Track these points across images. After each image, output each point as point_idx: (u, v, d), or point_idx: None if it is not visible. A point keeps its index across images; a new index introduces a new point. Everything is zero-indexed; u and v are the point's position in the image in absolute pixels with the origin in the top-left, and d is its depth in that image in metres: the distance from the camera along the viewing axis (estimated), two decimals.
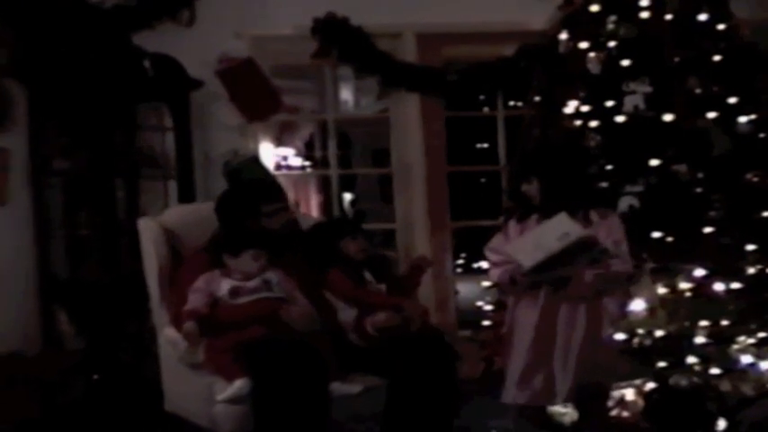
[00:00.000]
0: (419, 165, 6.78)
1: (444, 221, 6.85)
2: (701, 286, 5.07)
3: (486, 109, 7.41)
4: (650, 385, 4.88)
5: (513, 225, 4.59)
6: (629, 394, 4.91)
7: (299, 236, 4.61)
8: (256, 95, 6.42)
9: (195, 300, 4.14)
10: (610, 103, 5.38)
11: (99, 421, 5.21)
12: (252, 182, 5.53)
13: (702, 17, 5.48)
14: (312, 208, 8.55)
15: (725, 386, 4.87)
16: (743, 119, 5.40)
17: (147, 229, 4.59)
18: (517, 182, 4.62)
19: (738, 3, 5.73)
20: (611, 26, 5.52)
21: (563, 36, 5.73)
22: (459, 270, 8.39)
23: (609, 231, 4.41)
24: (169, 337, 4.37)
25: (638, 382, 4.90)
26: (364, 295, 4.46)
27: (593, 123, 5.40)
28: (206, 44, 6.32)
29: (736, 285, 5.10)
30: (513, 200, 4.83)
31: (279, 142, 7.30)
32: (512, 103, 6.99)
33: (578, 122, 5.47)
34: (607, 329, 4.43)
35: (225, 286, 4.19)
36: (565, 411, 4.79)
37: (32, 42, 5.76)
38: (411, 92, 6.67)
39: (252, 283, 4.20)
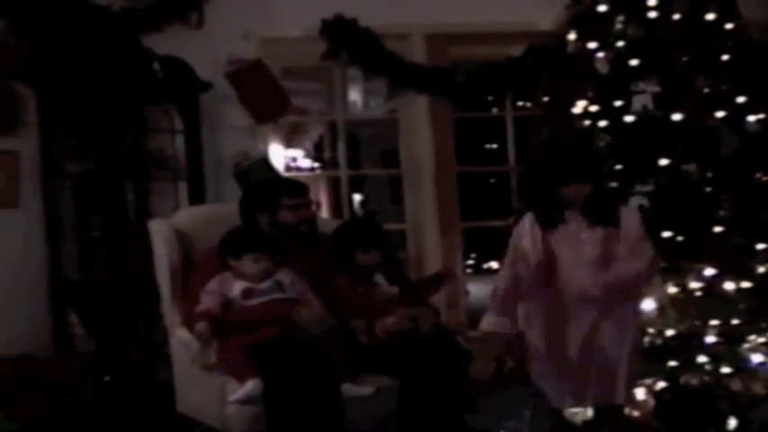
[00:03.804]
0: (428, 165, 6.79)
1: (454, 222, 6.85)
2: (712, 285, 5.08)
3: (494, 109, 7.41)
4: (661, 384, 4.89)
5: (536, 228, 4.49)
6: (641, 393, 4.92)
7: (314, 237, 4.61)
8: (265, 97, 6.43)
9: (208, 301, 4.16)
10: (618, 103, 5.38)
11: (110, 423, 5.21)
12: (275, 178, 5.48)
13: (710, 16, 5.47)
14: (322, 209, 8.54)
15: (736, 385, 4.87)
16: (752, 118, 5.40)
17: (159, 230, 4.60)
18: (556, 183, 4.35)
19: (750, 3, 5.73)
20: (619, 26, 5.52)
21: (571, 36, 5.73)
22: (469, 270, 8.38)
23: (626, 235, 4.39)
24: (181, 339, 4.38)
25: (649, 381, 4.90)
26: (361, 307, 4.44)
27: (602, 123, 5.40)
28: (215, 46, 6.33)
29: (746, 284, 5.10)
30: (544, 203, 4.55)
31: (288, 143, 7.31)
32: (520, 103, 6.99)
33: (587, 122, 5.47)
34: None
35: (237, 287, 4.20)
36: (577, 411, 4.78)
37: (42, 45, 5.78)
38: (420, 93, 6.67)
39: (264, 285, 4.21)
